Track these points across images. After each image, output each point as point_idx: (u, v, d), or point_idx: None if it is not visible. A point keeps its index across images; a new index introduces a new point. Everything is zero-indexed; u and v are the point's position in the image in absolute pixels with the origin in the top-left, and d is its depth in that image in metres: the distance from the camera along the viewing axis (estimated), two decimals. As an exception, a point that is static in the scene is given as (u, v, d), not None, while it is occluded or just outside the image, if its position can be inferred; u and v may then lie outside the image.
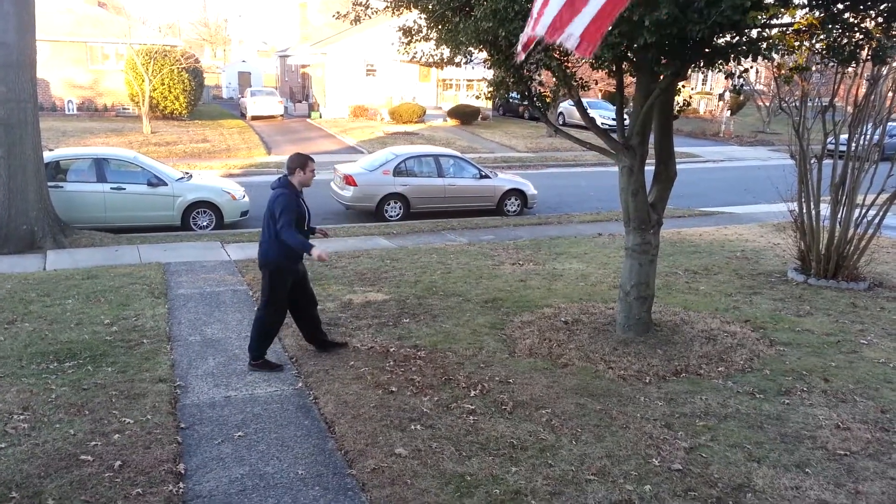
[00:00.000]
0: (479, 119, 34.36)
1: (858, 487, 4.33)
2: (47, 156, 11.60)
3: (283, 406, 5.37)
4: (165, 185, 12.19)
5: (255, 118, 34.81)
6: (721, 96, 36.13)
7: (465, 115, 33.77)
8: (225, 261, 9.87)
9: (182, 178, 12.74)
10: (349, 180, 13.66)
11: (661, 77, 5.94)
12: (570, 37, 3.55)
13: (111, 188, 11.92)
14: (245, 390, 5.62)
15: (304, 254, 5.80)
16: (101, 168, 12.02)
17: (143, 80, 27.60)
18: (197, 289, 8.41)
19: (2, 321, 6.97)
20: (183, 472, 4.39)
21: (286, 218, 5.65)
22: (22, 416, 4.96)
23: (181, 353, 6.38)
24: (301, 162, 5.81)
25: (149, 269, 9.23)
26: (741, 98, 35.22)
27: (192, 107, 32.03)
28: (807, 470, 4.52)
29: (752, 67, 7.12)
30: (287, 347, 6.55)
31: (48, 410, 5.07)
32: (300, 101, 40.21)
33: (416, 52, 7.08)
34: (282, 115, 36.12)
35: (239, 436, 4.87)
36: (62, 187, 11.60)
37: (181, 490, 4.19)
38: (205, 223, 12.42)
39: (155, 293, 8.09)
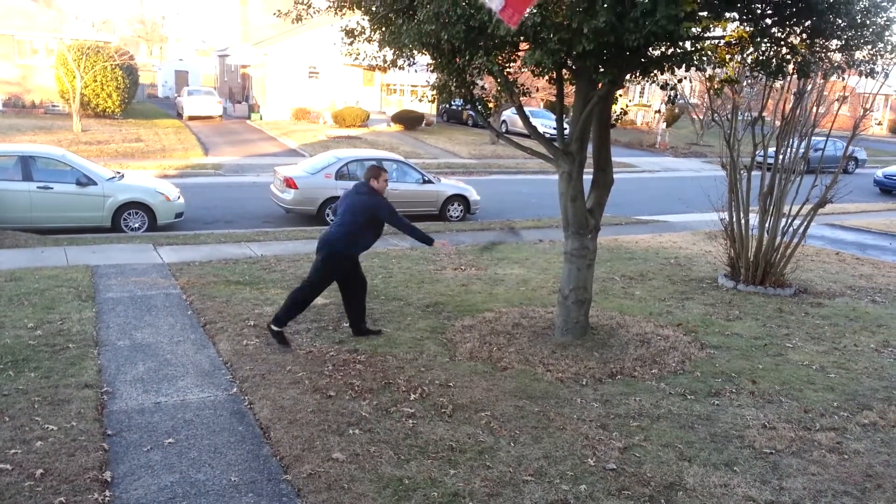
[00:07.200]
0: (424, 125, 34.38)
1: (783, 484, 4.49)
2: (-33, 152, 11.03)
3: (216, 412, 5.22)
4: (95, 184, 11.73)
5: (192, 118, 33.89)
6: (658, 111, 37.18)
7: (409, 121, 33.71)
8: (157, 264, 9.56)
9: (113, 177, 12.29)
10: (289, 183, 13.44)
11: (600, 85, 6.07)
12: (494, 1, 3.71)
13: (37, 187, 11.40)
14: (176, 396, 5.44)
15: (427, 244, 6.65)
16: (27, 166, 11.48)
17: (74, 77, 26.56)
18: (127, 292, 8.11)
19: (-87, 325, 6.57)
20: (109, 479, 4.21)
21: (396, 216, 6.47)
22: (-67, 425, 4.68)
23: (109, 357, 6.13)
24: (375, 173, 6.59)
25: (76, 271, 8.86)
26: (676, 111, 36.34)
27: (125, 105, 30.95)
28: (735, 468, 4.66)
29: (685, 78, 7.36)
30: (221, 352, 6.38)
31: (-38, 418, 4.80)
32: (240, 102, 39.39)
33: (359, 54, 7.02)
34: (220, 116, 35.29)
35: (169, 442, 4.71)
36: (-16, 185, 11.04)
37: (107, 498, 4.02)
38: (137, 225, 12.00)
39: (82, 296, 7.77)
